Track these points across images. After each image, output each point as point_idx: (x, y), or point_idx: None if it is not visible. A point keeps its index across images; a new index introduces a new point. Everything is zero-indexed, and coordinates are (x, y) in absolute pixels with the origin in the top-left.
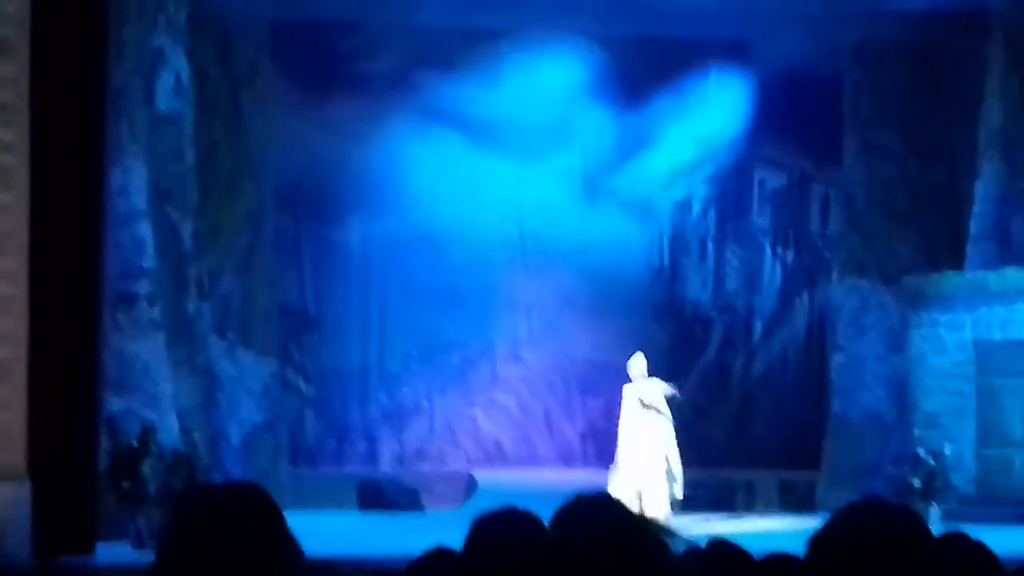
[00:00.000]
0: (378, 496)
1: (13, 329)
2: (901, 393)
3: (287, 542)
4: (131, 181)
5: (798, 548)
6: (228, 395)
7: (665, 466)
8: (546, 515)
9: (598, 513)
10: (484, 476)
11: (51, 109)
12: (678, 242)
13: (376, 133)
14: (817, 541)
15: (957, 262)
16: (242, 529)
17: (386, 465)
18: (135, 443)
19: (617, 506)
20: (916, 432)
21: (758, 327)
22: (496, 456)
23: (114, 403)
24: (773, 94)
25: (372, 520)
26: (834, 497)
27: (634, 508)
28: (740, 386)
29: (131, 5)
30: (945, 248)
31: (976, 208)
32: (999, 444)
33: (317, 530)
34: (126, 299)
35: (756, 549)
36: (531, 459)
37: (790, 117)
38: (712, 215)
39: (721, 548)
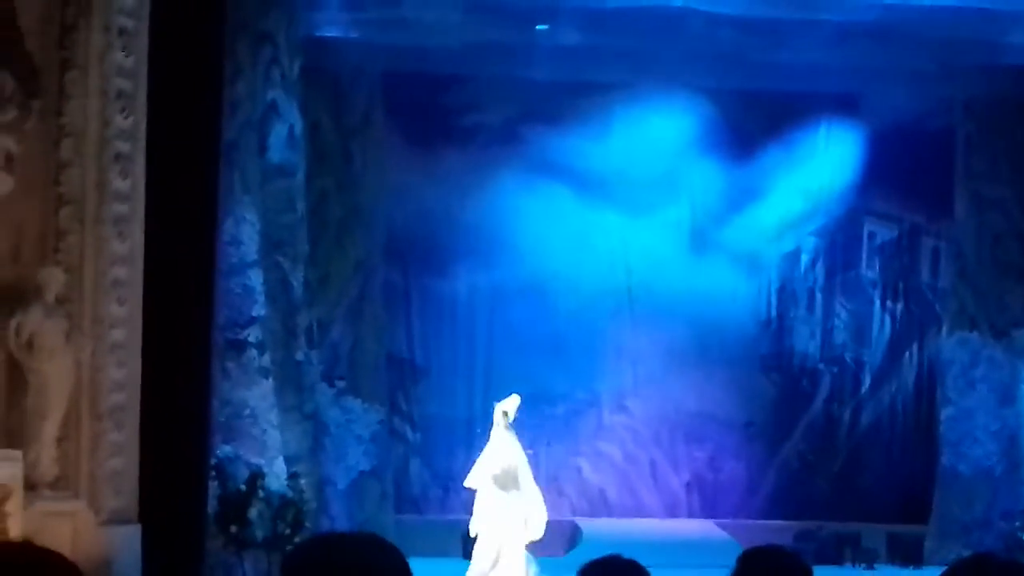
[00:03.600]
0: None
1: (128, 376)
2: (1012, 447)
3: None
4: (243, 231)
5: None
6: (336, 442)
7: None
8: (650, 563)
9: None
10: (588, 525)
11: (166, 160)
12: (786, 294)
13: (485, 185)
14: None
15: None
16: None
17: None
18: (243, 488)
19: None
20: None
21: (866, 380)
22: (600, 505)
23: (223, 449)
24: (883, 147)
25: None
26: (943, 551)
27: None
28: (848, 439)
29: (245, 59)
30: None
31: None
32: None
33: None
34: (236, 346)
35: None
36: (635, 509)
37: (900, 170)
38: (821, 267)
39: None
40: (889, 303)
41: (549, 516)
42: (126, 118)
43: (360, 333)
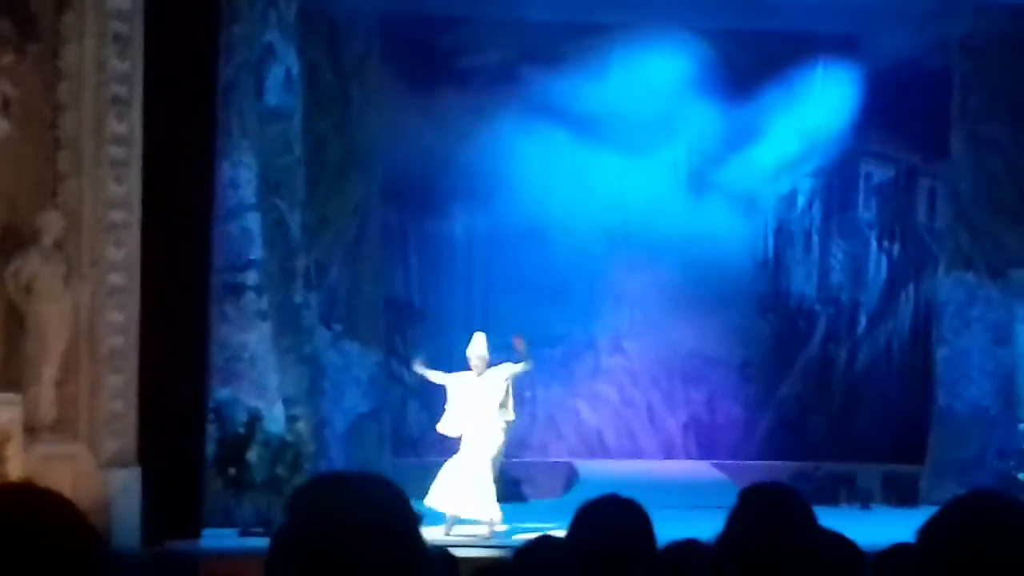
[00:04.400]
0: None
1: (126, 320)
2: (1007, 387)
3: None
4: (240, 174)
5: (904, 538)
6: (334, 384)
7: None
8: (647, 504)
9: None
10: (585, 467)
11: (164, 103)
12: (783, 235)
13: (482, 127)
14: (928, 531)
15: None
16: (376, 518)
17: None
18: (241, 431)
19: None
20: (1021, 426)
21: (863, 320)
22: (598, 447)
23: (221, 392)
24: (880, 88)
25: None
26: (938, 490)
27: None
28: (843, 379)
29: (241, 1)
30: None
31: None
32: None
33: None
34: (234, 290)
35: (863, 541)
36: (633, 451)
37: (897, 111)
38: (817, 208)
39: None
40: (885, 244)
41: (546, 458)
42: (123, 61)
43: (358, 276)
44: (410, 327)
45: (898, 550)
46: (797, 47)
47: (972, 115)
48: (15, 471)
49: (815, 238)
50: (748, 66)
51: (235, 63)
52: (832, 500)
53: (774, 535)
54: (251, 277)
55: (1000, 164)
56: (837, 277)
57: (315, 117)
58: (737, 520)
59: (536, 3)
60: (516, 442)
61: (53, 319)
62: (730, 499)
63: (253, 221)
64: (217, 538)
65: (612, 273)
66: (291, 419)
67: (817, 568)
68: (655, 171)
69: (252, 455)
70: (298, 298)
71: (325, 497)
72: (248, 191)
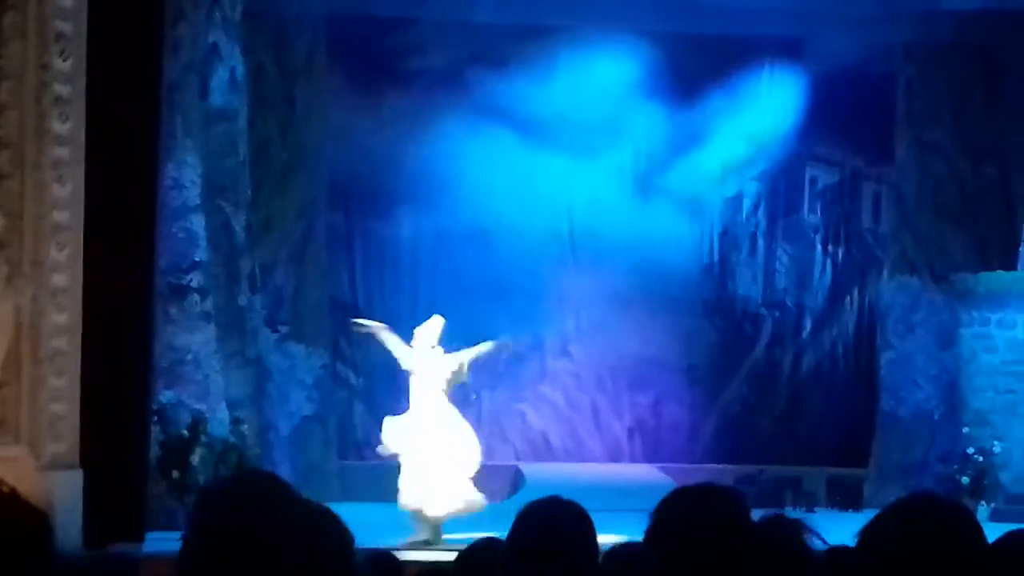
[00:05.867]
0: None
1: (68, 321)
2: (950, 391)
3: (295, 528)
4: (185, 175)
5: (847, 542)
6: (278, 387)
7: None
8: (591, 508)
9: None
10: (531, 470)
11: (107, 103)
12: (728, 239)
13: (429, 129)
14: (869, 533)
15: (1008, 261)
16: (254, 516)
17: None
18: (185, 433)
19: None
20: (965, 430)
21: (808, 324)
22: (543, 450)
23: (165, 394)
24: (825, 92)
25: None
26: (882, 494)
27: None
28: (789, 383)
29: (186, 1)
30: (996, 247)
31: None
32: None
33: (365, 521)
34: (178, 291)
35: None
36: (578, 454)
37: (842, 115)
38: (763, 212)
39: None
40: (830, 247)
41: (492, 461)
42: (65, 60)
43: (303, 278)
44: None
45: (838, 552)
46: (742, 51)
47: (916, 120)
48: None
49: (760, 242)
50: (694, 70)
51: (180, 63)
52: (777, 503)
53: (696, 534)
54: (195, 279)
55: (944, 169)
56: (782, 281)
57: (260, 118)
58: (659, 521)
59: (482, 5)
60: None
61: None
62: None
63: (197, 222)
64: (160, 541)
65: (558, 276)
66: (235, 422)
67: (746, 566)
68: (601, 174)
69: (196, 458)
70: (243, 300)
71: (228, 497)
72: (192, 192)
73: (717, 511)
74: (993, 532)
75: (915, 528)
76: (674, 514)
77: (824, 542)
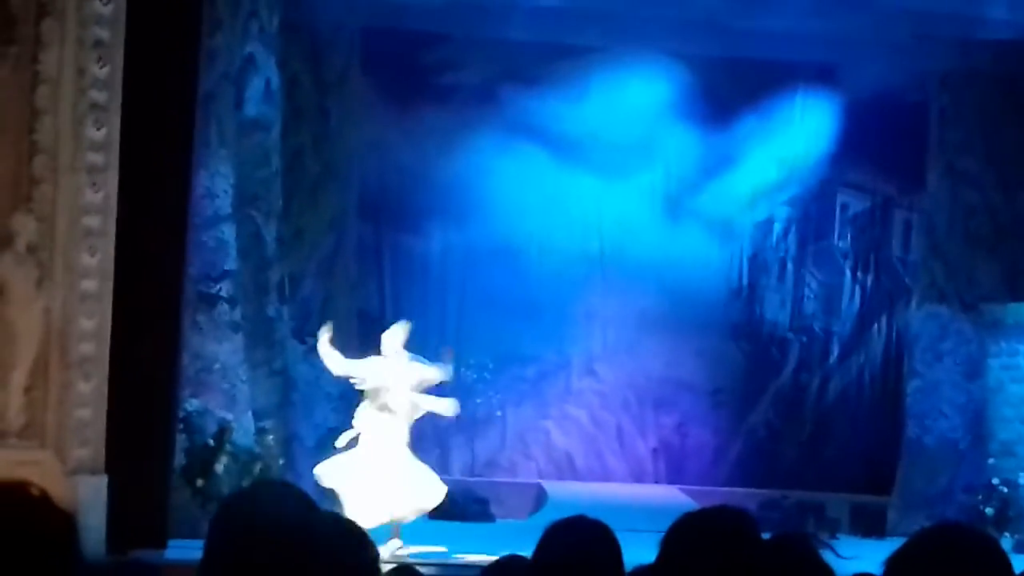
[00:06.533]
0: (448, 504)
1: (97, 327)
2: (977, 421)
3: (319, 541)
4: (217, 184)
5: (871, 569)
6: (304, 398)
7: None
8: (616, 528)
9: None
10: (554, 488)
11: (142, 111)
12: (758, 263)
13: (461, 144)
14: (896, 562)
15: None
16: (272, 524)
17: (457, 474)
18: (211, 442)
19: None
20: (991, 461)
21: (835, 350)
22: (567, 469)
23: (191, 402)
24: (859, 118)
25: (441, 528)
26: (906, 522)
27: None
28: (814, 408)
29: (224, 11)
30: None
31: None
32: None
33: (388, 536)
34: (207, 300)
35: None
36: (602, 473)
37: (875, 142)
38: (793, 237)
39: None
40: (860, 274)
41: (515, 478)
42: (102, 67)
43: (332, 290)
44: None
45: None
46: (776, 75)
47: (949, 148)
48: None
49: (790, 266)
50: (727, 93)
51: (216, 73)
52: (800, 529)
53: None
54: (225, 288)
55: (976, 198)
56: (811, 306)
57: (294, 129)
58: (671, 544)
59: (518, 23)
60: (485, 461)
61: (24, 324)
62: None
63: (228, 232)
64: (182, 549)
65: (586, 295)
66: (260, 432)
67: None
68: (632, 195)
69: (220, 467)
70: (271, 310)
71: (246, 510)
72: (224, 201)
73: (725, 532)
74: (1019, 564)
75: (943, 557)
76: (683, 537)
77: (839, 556)
